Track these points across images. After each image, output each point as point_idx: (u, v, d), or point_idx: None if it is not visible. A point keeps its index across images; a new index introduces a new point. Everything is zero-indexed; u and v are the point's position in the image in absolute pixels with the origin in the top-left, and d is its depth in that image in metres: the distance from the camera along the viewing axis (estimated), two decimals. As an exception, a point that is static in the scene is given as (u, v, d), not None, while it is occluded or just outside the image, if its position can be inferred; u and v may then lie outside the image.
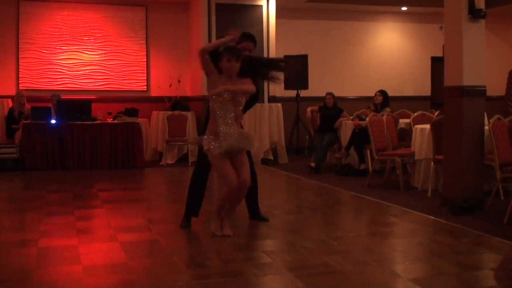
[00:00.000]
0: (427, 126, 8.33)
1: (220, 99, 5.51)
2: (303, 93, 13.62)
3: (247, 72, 5.68)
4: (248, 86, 5.58)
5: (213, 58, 5.68)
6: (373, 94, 11.04)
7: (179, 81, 13.56)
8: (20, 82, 13.03)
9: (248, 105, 6.01)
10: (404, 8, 15.36)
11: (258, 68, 5.92)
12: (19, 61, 13.07)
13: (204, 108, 6.32)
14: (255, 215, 6.43)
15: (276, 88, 13.28)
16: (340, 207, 7.88)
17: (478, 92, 7.12)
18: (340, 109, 11.39)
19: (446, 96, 7.36)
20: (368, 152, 10.11)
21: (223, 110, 5.51)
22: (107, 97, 13.38)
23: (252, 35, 6.27)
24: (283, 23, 14.08)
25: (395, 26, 15.90)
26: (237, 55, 5.61)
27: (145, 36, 13.87)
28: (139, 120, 11.99)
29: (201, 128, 6.37)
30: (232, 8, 12.91)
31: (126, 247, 5.37)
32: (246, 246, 5.55)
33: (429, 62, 15.95)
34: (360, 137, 10.24)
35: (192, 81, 13.77)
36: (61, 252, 5.29)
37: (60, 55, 13.31)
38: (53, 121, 11.26)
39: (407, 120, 10.36)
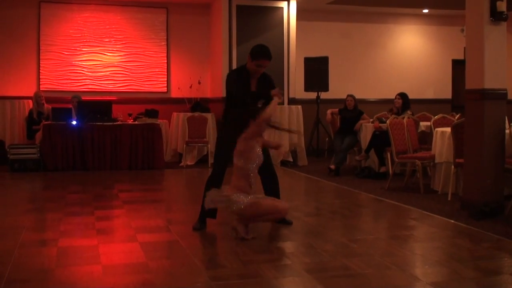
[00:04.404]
0: (448, 129, 8.28)
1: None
2: (324, 95, 13.58)
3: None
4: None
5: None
6: (393, 97, 10.99)
7: (199, 83, 13.60)
8: (41, 83, 13.11)
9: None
10: (425, 11, 15.29)
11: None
12: (40, 62, 13.16)
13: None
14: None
15: (296, 90, 13.28)
16: (360, 210, 7.86)
17: (499, 95, 7.07)
18: (361, 112, 11.35)
19: (467, 99, 7.31)
20: (388, 154, 10.07)
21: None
22: (127, 98, 13.45)
23: (267, 51, 6.12)
24: (304, 25, 14.08)
25: (416, 28, 15.84)
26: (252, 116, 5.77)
27: (165, 37, 13.92)
28: (159, 121, 12.03)
29: (220, 129, 6.44)
30: (252, 10, 12.92)
31: (146, 248, 5.39)
32: (266, 248, 5.55)
33: (450, 65, 15.88)
34: (380, 139, 10.20)
35: (213, 83, 13.80)
36: (81, 252, 5.32)
37: (81, 56, 13.38)
38: (73, 122, 11.33)
39: (428, 123, 10.32)
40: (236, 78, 6.17)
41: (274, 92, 5.95)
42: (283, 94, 6.13)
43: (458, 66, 15.24)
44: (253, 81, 6.20)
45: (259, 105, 5.96)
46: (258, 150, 5.74)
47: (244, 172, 5.67)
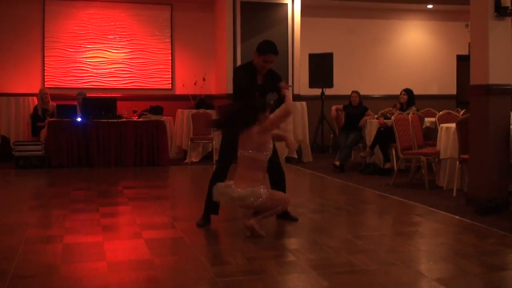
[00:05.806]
0: (453, 125, 8.26)
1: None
2: (328, 91, 13.58)
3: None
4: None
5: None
6: (398, 93, 10.97)
7: (204, 79, 13.60)
8: (45, 80, 13.13)
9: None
10: (429, 6, 15.26)
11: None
12: (45, 59, 13.18)
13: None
14: (285, 215, 6.40)
15: (301, 86, 13.27)
16: (365, 206, 7.85)
17: (504, 91, 7.06)
18: (365, 108, 11.34)
19: (471, 95, 7.30)
20: (393, 151, 10.05)
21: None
22: (132, 95, 13.46)
23: (274, 46, 6.20)
24: (308, 21, 14.06)
25: (420, 24, 15.81)
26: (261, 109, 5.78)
27: (170, 34, 13.92)
28: (164, 118, 12.05)
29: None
30: (257, 7, 12.90)
31: (151, 244, 5.40)
32: (271, 244, 5.54)
33: (454, 60, 15.85)
34: (385, 136, 10.19)
35: (217, 79, 13.79)
36: (86, 248, 5.33)
37: (86, 53, 13.39)
38: (78, 119, 11.34)
39: (433, 119, 10.30)
40: (244, 73, 6.19)
41: (281, 85, 5.99)
42: (288, 89, 6.15)
43: (462, 62, 15.19)
44: (259, 77, 6.24)
45: (271, 102, 6.03)
46: (271, 142, 5.77)
47: (260, 165, 5.69)
